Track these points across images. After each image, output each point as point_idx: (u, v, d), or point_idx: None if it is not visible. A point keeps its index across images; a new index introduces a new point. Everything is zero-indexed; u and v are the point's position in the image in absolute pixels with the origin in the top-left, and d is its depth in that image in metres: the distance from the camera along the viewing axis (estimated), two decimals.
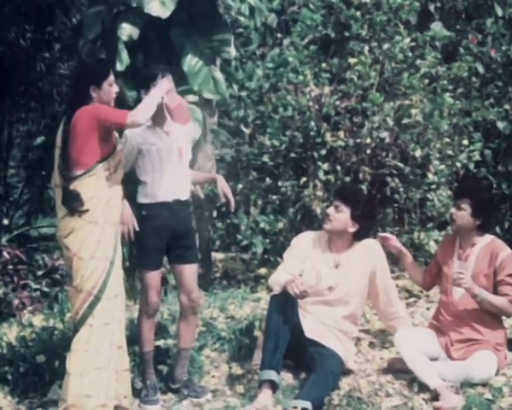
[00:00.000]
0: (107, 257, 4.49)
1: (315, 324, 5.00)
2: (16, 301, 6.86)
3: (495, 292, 4.97)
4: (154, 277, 4.92)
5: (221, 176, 5.22)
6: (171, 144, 4.92)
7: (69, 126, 4.49)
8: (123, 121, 4.48)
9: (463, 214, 5.01)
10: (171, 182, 4.91)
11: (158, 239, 4.88)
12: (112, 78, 4.63)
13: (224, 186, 5.06)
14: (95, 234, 4.46)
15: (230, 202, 5.06)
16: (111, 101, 4.64)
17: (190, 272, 4.99)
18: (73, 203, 4.46)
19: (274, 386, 4.74)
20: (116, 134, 4.70)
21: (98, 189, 4.49)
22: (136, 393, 4.92)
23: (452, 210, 5.10)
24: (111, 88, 4.61)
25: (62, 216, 4.52)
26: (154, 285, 4.92)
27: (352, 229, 5.07)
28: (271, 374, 4.71)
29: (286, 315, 4.83)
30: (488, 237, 5.10)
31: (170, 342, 5.32)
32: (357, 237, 5.11)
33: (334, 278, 5.07)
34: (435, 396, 4.73)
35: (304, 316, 5.00)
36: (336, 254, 5.13)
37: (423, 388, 4.83)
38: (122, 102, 6.53)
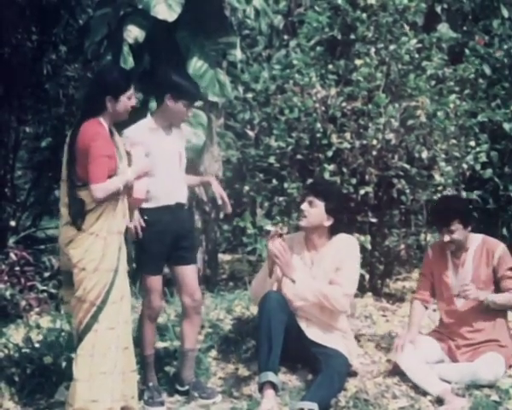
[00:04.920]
0: (112, 267, 4.43)
1: (313, 324, 4.98)
2: (23, 303, 6.88)
3: (497, 288, 5.00)
4: (157, 281, 4.91)
5: (214, 178, 5.21)
6: (172, 147, 4.93)
7: (76, 133, 4.47)
8: (91, 180, 4.33)
9: (460, 233, 4.99)
10: (173, 185, 4.91)
11: (161, 244, 4.86)
12: (131, 91, 4.50)
13: (218, 188, 5.06)
14: (98, 246, 4.40)
15: (226, 204, 5.06)
16: (126, 113, 4.53)
17: (192, 272, 4.99)
18: (77, 213, 4.40)
19: (274, 387, 4.71)
20: (119, 150, 4.55)
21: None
22: (140, 395, 4.91)
23: (446, 237, 4.99)
24: (128, 101, 4.49)
25: (63, 224, 4.47)
26: (158, 289, 4.92)
27: (328, 223, 5.01)
28: (269, 375, 4.68)
29: (276, 316, 4.79)
30: (479, 237, 5.10)
31: (177, 343, 5.32)
32: (334, 230, 5.05)
33: (311, 277, 4.98)
34: (441, 399, 4.74)
35: (300, 317, 4.99)
36: (314, 252, 5.07)
37: None
38: None
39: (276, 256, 4.84)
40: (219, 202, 5.06)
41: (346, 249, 5.02)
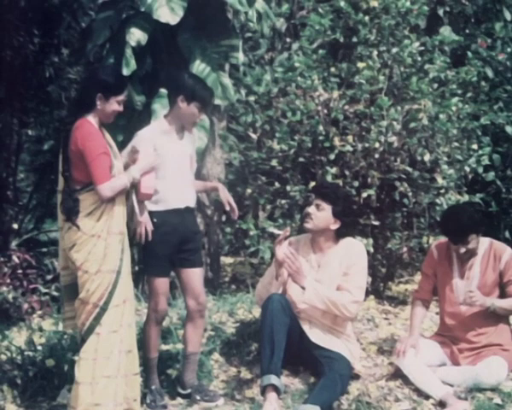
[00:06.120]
0: (114, 269, 4.44)
1: (316, 327, 4.97)
2: (26, 306, 6.88)
3: (501, 292, 5.00)
4: (163, 283, 4.91)
5: (221, 184, 5.21)
6: (183, 150, 4.93)
7: (68, 136, 4.44)
8: (96, 181, 4.35)
9: (475, 241, 4.99)
10: (183, 188, 4.91)
11: (168, 246, 4.86)
12: (123, 97, 4.52)
13: (225, 194, 5.06)
14: (99, 248, 4.41)
15: (234, 210, 5.06)
16: (112, 117, 4.54)
17: (197, 275, 4.99)
18: (70, 211, 4.41)
19: (277, 390, 4.69)
20: (113, 149, 4.56)
21: (97, 202, 4.42)
22: (142, 398, 4.90)
23: (462, 250, 4.99)
24: (117, 105, 4.50)
25: (66, 229, 4.48)
26: (164, 292, 4.92)
27: (335, 226, 5.01)
28: (271, 378, 4.66)
29: (279, 318, 4.78)
30: (486, 241, 5.09)
31: (179, 346, 5.32)
32: (340, 234, 5.05)
33: (317, 280, 4.96)
34: (443, 402, 4.74)
35: (303, 320, 4.98)
36: (320, 254, 5.06)
37: None
38: (130, 107, 6.57)
39: (285, 262, 4.84)
40: (227, 208, 5.05)
41: (355, 255, 5.02)
